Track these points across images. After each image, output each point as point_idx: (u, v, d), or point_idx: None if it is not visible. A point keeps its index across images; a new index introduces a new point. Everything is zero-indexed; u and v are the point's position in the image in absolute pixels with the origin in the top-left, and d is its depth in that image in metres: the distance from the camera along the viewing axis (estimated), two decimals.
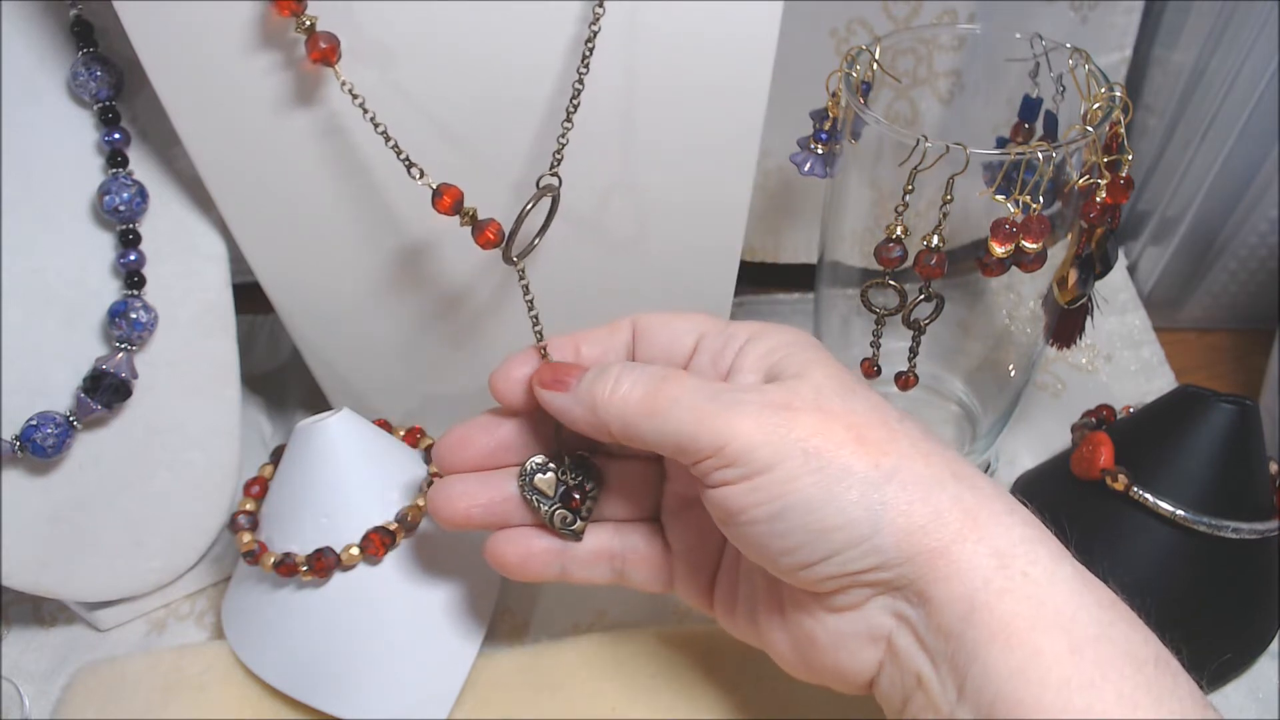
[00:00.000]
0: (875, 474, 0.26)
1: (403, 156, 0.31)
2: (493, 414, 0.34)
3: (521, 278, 0.32)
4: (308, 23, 0.30)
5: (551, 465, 0.33)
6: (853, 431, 0.27)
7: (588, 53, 0.31)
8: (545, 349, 0.32)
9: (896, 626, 0.27)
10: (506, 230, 0.31)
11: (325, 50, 0.30)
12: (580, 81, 0.31)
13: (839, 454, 0.27)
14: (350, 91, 0.31)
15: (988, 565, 0.26)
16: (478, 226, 0.32)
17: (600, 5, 0.31)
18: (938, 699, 0.26)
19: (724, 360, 0.31)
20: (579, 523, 0.33)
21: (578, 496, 0.33)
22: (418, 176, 0.31)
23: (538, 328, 0.32)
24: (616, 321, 0.33)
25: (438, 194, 0.31)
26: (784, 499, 0.26)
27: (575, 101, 0.31)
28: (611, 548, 0.34)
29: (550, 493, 0.33)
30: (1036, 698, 0.24)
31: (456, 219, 0.31)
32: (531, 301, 0.32)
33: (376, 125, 0.31)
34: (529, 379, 0.32)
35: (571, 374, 0.31)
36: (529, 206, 0.31)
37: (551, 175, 0.32)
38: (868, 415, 0.28)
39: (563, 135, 0.32)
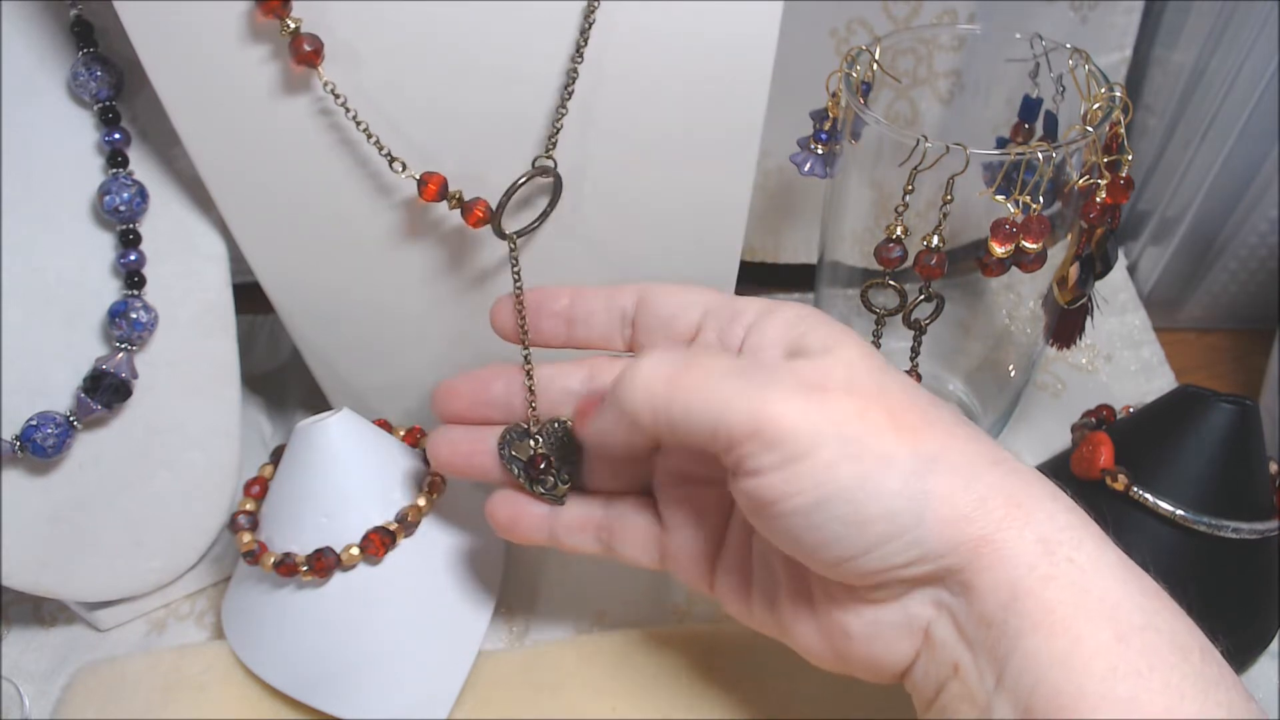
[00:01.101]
0: (916, 462, 0.25)
1: (384, 152, 0.32)
2: (489, 370, 0.34)
3: (513, 249, 0.32)
4: (292, 25, 0.30)
5: (531, 432, 0.33)
6: (889, 416, 0.26)
7: (583, 43, 0.31)
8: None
9: (936, 616, 0.27)
10: (517, 224, 0.32)
11: (309, 54, 0.30)
12: (575, 70, 0.31)
13: (878, 440, 0.25)
14: (332, 91, 0.31)
15: (1033, 552, 0.25)
16: (466, 207, 0.32)
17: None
18: (974, 688, 0.25)
19: (732, 337, 0.30)
20: (559, 486, 0.33)
21: (543, 465, 0.33)
22: (400, 170, 0.32)
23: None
24: (622, 285, 0.32)
25: (422, 183, 0.32)
26: (821, 488, 0.25)
27: (570, 89, 0.32)
28: (599, 517, 0.34)
29: (526, 459, 0.33)
30: (1080, 686, 0.23)
31: (447, 205, 0.32)
32: (518, 274, 0.32)
33: (359, 123, 0.32)
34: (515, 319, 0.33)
35: (598, 396, 0.31)
36: (521, 180, 0.32)
37: (547, 157, 0.32)
38: (902, 398, 0.27)
39: (558, 120, 0.32)
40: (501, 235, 0.32)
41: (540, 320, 0.33)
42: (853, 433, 0.25)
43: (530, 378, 0.33)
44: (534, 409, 0.33)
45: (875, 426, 0.25)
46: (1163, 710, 0.23)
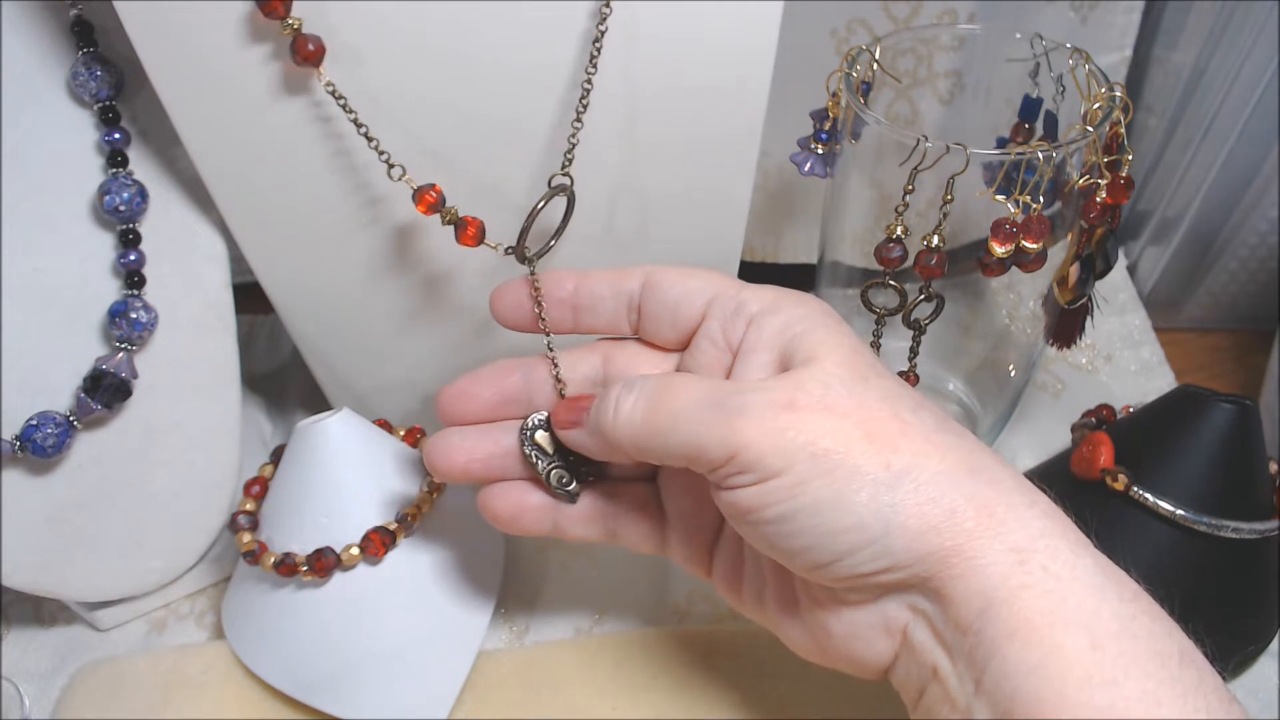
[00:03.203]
0: (886, 475, 0.26)
1: (383, 156, 0.31)
2: (498, 366, 0.34)
3: (531, 271, 0.32)
4: (294, 24, 0.30)
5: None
6: (862, 429, 0.26)
7: (595, 52, 0.31)
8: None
9: (912, 619, 0.27)
10: (518, 230, 0.32)
11: (311, 53, 0.30)
12: (589, 81, 0.31)
13: (849, 455, 0.26)
14: (332, 92, 0.31)
15: (1006, 561, 0.25)
16: (460, 225, 0.32)
17: (607, 5, 0.31)
18: (954, 692, 0.26)
19: (734, 330, 0.30)
20: (574, 484, 0.33)
21: (574, 455, 0.33)
22: (397, 177, 0.31)
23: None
24: (628, 269, 0.32)
25: (417, 195, 0.31)
26: (793, 501, 0.26)
27: (585, 101, 0.32)
28: (605, 507, 0.34)
29: (550, 450, 0.33)
30: (1058, 694, 0.23)
31: (441, 221, 0.31)
32: (540, 303, 0.32)
33: (359, 125, 0.31)
34: (523, 304, 0.32)
35: (583, 405, 0.31)
36: (540, 204, 0.31)
37: (563, 175, 0.32)
38: (879, 408, 0.27)
39: (573, 135, 0.32)
40: (523, 260, 0.32)
41: (545, 307, 0.33)
42: (822, 449, 0.26)
43: (556, 367, 0.33)
44: (563, 398, 0.33)
45: (846, 440, 0.26)
46: (1140, 716, 0.23)
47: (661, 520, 0.34)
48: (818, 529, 0.26)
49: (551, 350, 0.33)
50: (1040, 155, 0.33)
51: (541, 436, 0.33)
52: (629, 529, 0.34)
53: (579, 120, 0.32)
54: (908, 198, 0.35)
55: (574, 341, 0.34)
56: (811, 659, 0.31)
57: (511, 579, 0.43)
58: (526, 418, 0.33)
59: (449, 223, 0.32)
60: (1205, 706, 0.23)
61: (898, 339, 0.38)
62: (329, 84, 0.31)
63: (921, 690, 0.27)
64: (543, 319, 0.32)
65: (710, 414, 0.27)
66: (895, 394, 0.28)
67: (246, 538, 0.38)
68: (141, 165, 0.37)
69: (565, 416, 0.31)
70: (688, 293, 0.31)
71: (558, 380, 0.33)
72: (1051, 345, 0.43)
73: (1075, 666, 0.24)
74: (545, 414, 0.33)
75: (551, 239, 0.33)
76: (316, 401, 0.47)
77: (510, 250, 0.32)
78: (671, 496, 0.33)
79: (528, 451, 0.33)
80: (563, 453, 0.33)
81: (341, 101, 0.31)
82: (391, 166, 0.32)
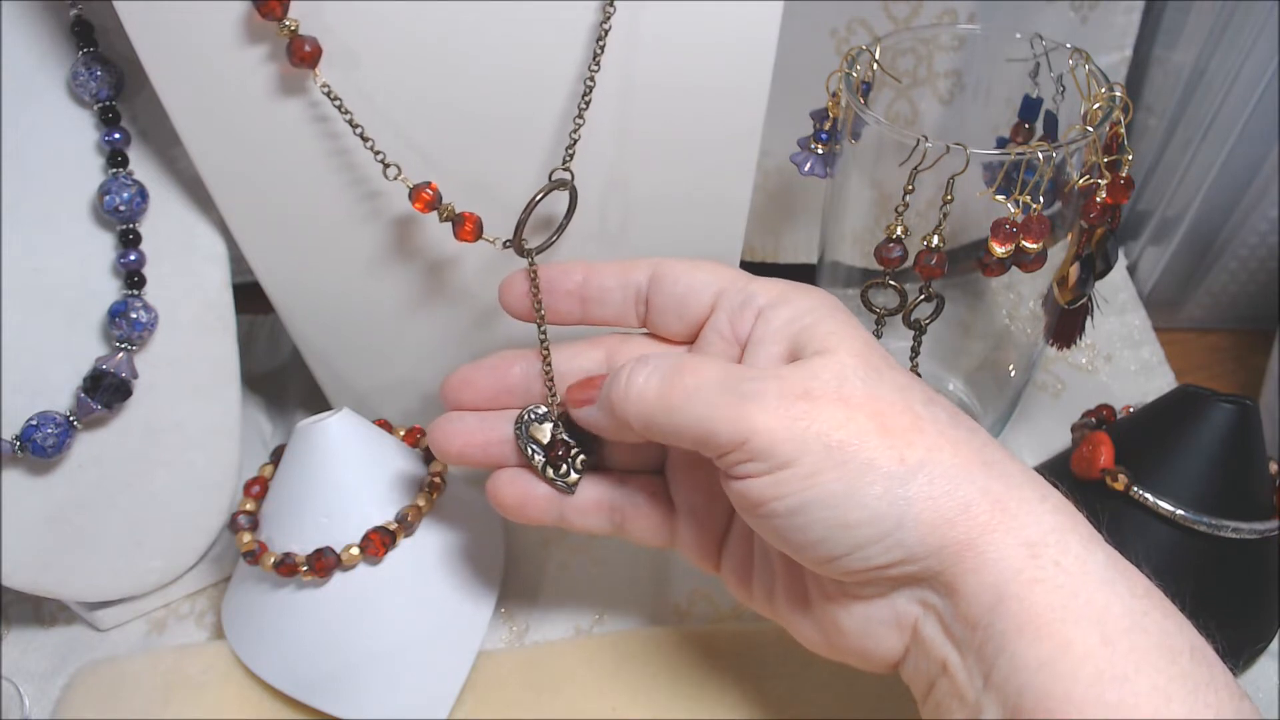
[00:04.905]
0: (900, 468, 0.26)
1: (379, 156, 0.31)
2: (502, 356, 0.34)
3: (531, 263, 0.32)
4: (291, 25, 0.30)
5: (550, 415, 0.33)
6: (876, 421, 0.26)
7: (599, 50, 0.31)
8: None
9: (923, 614, 0.27)
10: (513, 227, 0.32)
11: (307, 54, 0.30)
12: (592, 79, 0.31)
13: (863, 448, 0.26)
14: (328, 93, 0.31)
15: (1018, 556, 0.25)
16: (457, 221, 0.32)
17: (611, 4, 0.31)
18: (963, 687, 0.26)
19: (742, 323, 0.30)
20: (573, 475, 0.33)
21: (561, 451, 0.33)
22: (393, 176, 0.32)
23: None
24: (636, 261, 0.32)
25: (413, 193, 0.31)
26: (806, 493, 0.26)
27: (586, 99, 0.32)
28: (611, 499, 0.33)
29: (546, 442, 0.33)
30: (1066, 690, 0.23)
31: (438, 218, 0.31)
32: (540, 301, 0.32)
33: (354, 126, 0.31)
34: (527, 293, 0.32)
35: (596, 383, 0.31)
36: (539, 196, 0.31)
37: (564, 170, 0.32)
38: (893, 401, 0.27)
39: (575, 131, 0.32)
40: (522, 253, 0.32)
41: (553, 299, 0.32)
42: (836, 441, 0.26)
43: (548, 363, 0.33)
44: (553, 393, 0.33)
45: (860, 433, 0.26)
46: (1150, 713, 0.23)
47: (670, 512, 0.34)
48: (830, 522, 0.26)
49: (545, 345, 0.33)
50: (1040, 155, 0.33)
51: (537, 429, 0.33)
52: (636, 520, 0.34)
53: (580, 118, 0.32)
54: (908, 198, 0.35)
55: (582, 333, 0.34)
56: (821, 653, 0.31)
57: (511, 578, 0.43)
58: (523, 410, 0.33)
59: (446, 219, 0.32)
60: (1216, 703, 0.23)
61: (898, 339, 0.38)
62: (324, 85, 0.31)
63: (931, 685, 0.27)
64: (540, 312, 0.32)
65: (723, 397, 0.27)
66: (907, 387, 0.28)
67: (246, 538, 0.38)
68: (141, 165, 0.37)
69: (578, 395, 0.31)
70: (695, 285, 0.31)
71: (548, 374, 0.33)
72: (1051, 345, 0.43)
73: (1085, 662, 0.23)
74: (542, 407, 0.33)
75: (553, 235, 0.33)
76: (316, 401, 0.47)
77: (508, 244, 0.32)
78: (680, 489, 0.33)
79: (523, 444, 0.33)
80: (559, 445, 0.33)
81: (337, 103, 0.31)
82: (387, 166, 0.32)
